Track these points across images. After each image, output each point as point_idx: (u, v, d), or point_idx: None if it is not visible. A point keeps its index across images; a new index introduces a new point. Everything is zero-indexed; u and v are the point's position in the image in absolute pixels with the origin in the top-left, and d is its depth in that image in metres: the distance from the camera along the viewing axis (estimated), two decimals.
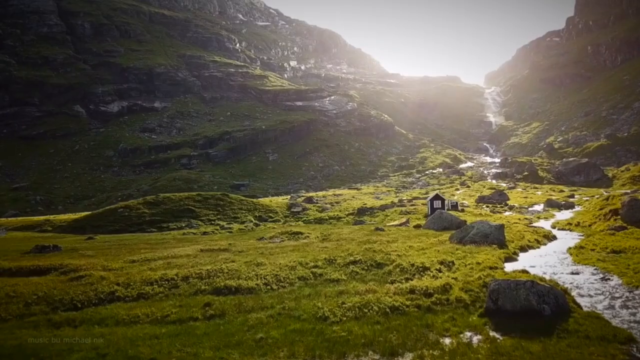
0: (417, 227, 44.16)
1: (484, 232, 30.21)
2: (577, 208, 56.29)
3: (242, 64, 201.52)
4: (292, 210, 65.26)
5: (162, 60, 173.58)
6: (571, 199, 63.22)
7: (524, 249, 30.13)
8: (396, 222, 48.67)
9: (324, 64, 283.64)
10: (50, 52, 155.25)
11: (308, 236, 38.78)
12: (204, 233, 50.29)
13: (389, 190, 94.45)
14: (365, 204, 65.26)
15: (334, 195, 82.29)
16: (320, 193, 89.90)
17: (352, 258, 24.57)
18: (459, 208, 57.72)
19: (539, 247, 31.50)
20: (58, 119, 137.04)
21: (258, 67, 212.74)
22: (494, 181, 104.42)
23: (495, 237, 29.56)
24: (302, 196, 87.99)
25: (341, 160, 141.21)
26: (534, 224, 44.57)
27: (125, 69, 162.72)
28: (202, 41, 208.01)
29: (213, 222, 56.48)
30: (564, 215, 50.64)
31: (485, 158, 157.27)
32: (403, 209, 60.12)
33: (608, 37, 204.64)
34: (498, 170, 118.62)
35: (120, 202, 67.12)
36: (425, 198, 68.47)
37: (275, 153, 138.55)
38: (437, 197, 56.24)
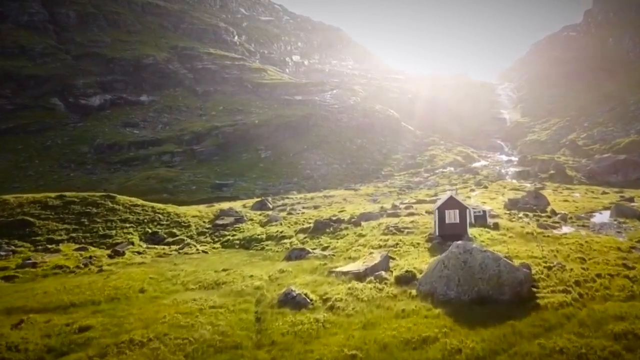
0: (404, 282, 21.55)
1: None
2: None
3: (239, 56, 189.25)
4: (217, 222, 46.04)
5: (151, 52, 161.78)
6: (632, 204, 46.78)
7: None
8: (356, 267, 24.37)
9: (329, 59, 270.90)
10: (29, 41, 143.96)
11: None
12: None
13: (390, 191, 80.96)
14: (343, 210, 48.24)
15: (324, 197, 68.95)
16: (309, 195, 76.85)
17: None
18: (489, 221, 36.91)
19: None
20: (32, 113, 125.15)
21: (257, 61, 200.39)
22: (514, 181, 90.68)
23: None
24: (291, 197, 75.32)
25: (342, 159, 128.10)
26: None
27: (111, 60, 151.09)
28: (197, 33, 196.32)
29: (50, 246, 37.39)
30: None
31: (501, 156, 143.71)
32: (394, 221, 39.39)
33: (631, 28, 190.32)
34: (518, 169, 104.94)
35: None
36: (433, 201, 49.71)
37: (269, 150, 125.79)
38: (451, 202, 32.81)
